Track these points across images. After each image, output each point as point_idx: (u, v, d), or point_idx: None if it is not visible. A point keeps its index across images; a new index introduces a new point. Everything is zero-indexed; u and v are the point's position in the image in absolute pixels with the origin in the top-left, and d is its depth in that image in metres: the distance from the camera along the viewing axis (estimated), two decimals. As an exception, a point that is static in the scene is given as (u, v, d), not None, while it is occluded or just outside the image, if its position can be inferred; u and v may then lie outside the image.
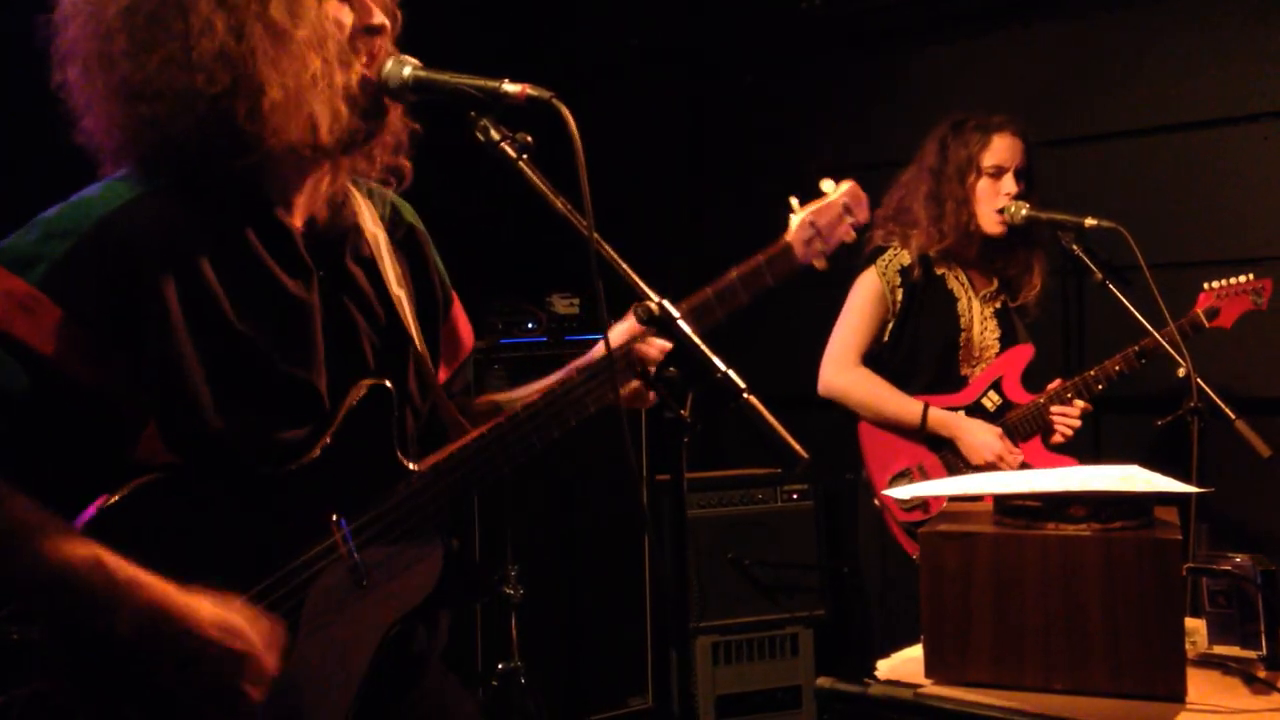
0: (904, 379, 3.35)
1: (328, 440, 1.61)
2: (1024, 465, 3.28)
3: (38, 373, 1.44)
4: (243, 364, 1.55)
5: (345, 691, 1.63)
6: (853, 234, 1.97)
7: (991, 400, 3.34)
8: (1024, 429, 3.30)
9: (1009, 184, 3.31)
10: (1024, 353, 3.39)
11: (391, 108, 1.62)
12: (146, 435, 1.50)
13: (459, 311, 1.91)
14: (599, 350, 1.69)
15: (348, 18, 1.58)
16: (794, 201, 1.94)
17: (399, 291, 1.75)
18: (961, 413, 3.33)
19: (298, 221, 1.64)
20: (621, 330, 1.76)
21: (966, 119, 3.38)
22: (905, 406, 3.31)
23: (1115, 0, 3.99)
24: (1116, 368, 3.23)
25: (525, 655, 3.85)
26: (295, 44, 1.51)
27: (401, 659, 1.73)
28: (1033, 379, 3.37)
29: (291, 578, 1.59)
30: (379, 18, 1.60)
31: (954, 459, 3.31)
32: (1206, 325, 3.25)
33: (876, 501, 3.30)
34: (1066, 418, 3.28)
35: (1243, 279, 3.28)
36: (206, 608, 1.46)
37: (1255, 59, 3.74)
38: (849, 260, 3.50)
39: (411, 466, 1.67)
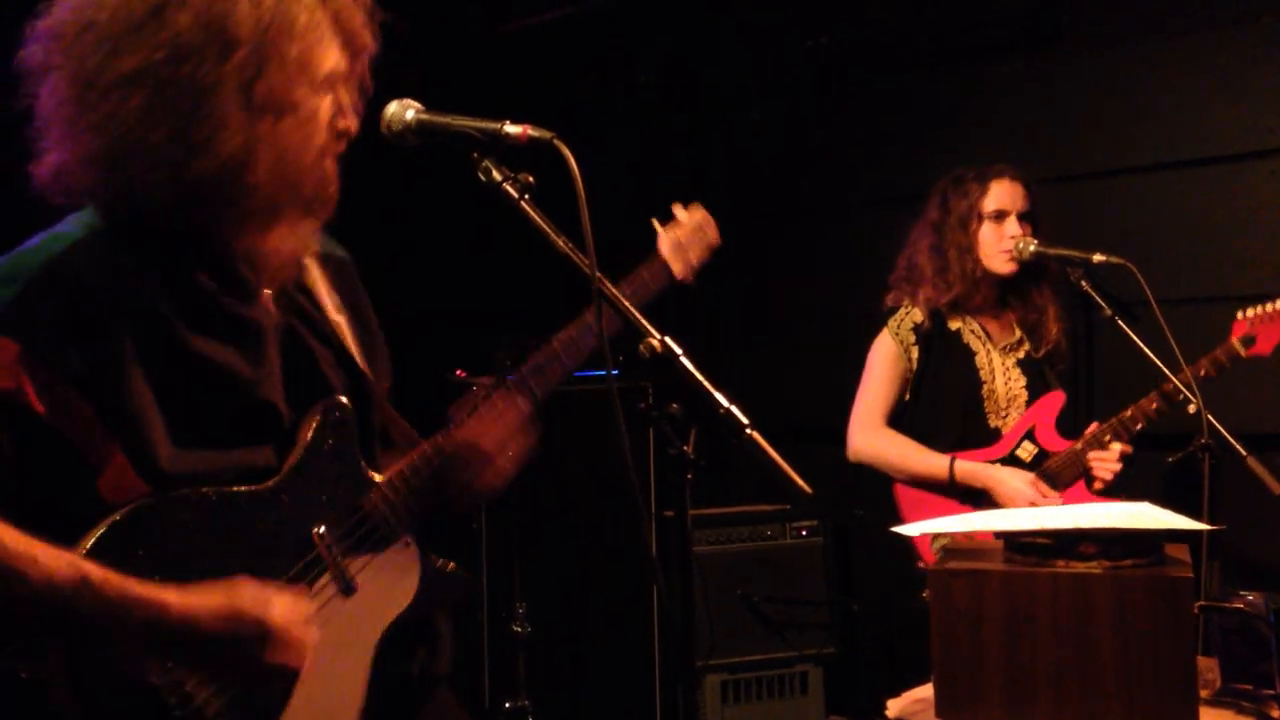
0: (930, 435, 3.32)
1: (296, 458, 1.64)
2: None
3: (1, 410, 1.43)
4: (204, 389, 1.57)
5: (351, 701, 1.66)
6: (708, 254, 2.18)
7: (1027, 451, 3.30)
8: (1064, 476, 3.25)
9: (1012, 227, 3.30)
10: (1055, 400, 3.35)
11: None
12: (115, 468, 1.49)
13: (381, 339, 1.96)
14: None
15: (328, 111, 1.61)
16: (656, 223, 2.14)
17: (338, 318, 1.80)
18: (996, 464, 3.28)
19: (243, 250, 1.66)
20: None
21: (965, 171, 3.39)
22: (933, 463, 3.28)
23: (1123, 36, 4.00)
24: (1154, 405, 3.14)
25: (532, 693, 3.82)
26: (297, 169, 1.58)
27: (403, 676, 1.75)
28: (1068, 425, 3.33)
29: None
30: (351, 124, 1.64)
31: (990, 510, 3.25)
32: (1244, 354, 3.13)
33: (921, 564, 3.22)
34: (1104, 463, 3.21)
35: None
36: (205, 605, 1.46)
37: (1265, 95, 3.74)
38: (865, 307, 3.52)
39: (377, 478, 1.73)
